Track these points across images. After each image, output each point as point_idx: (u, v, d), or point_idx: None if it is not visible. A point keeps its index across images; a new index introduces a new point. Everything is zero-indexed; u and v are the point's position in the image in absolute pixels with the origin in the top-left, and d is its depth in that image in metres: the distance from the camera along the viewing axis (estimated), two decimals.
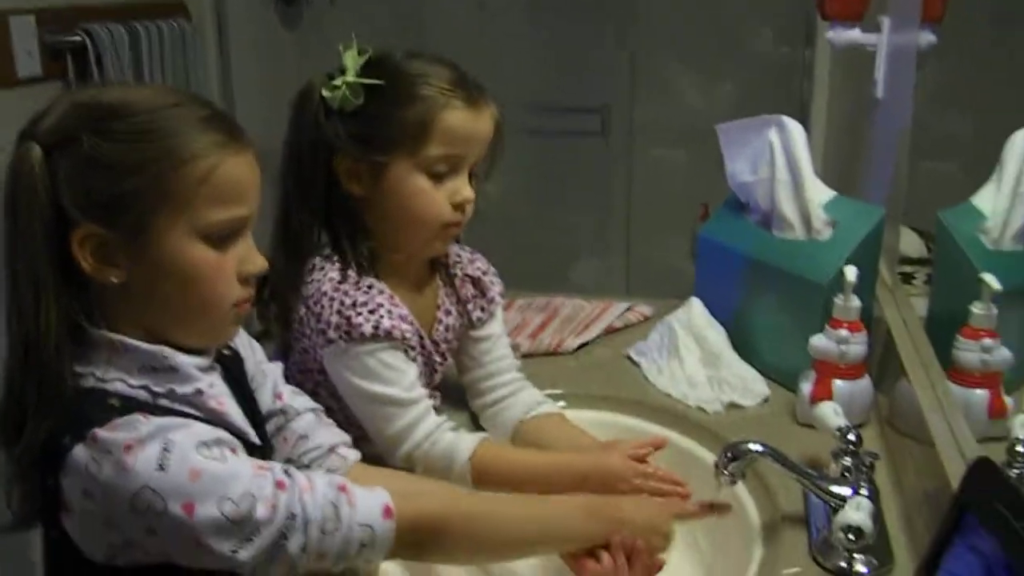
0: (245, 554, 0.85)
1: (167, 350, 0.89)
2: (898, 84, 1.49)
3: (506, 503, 1.09)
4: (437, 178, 1.18)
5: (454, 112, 1.17)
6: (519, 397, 1.33)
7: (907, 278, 1.63)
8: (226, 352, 1.01)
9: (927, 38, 1.48)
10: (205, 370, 0.93)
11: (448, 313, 1.31)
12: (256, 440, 0.96)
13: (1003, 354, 1.18)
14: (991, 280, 1.16)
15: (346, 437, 1.10)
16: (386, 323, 1.17)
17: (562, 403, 1.38)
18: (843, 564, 1.04)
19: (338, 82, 1.16)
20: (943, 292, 1.39)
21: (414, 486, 1.12)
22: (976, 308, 1.17)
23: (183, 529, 0.83)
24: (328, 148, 1.18)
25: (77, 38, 2.16)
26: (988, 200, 1.31)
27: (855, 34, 1.61)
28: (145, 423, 0.83)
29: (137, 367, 0.88)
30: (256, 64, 2.73)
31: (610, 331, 1.68)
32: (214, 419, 0.90)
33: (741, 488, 1.20)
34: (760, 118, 1.52)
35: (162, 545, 0.85)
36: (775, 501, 1.17)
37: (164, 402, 0.88)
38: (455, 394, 1.39)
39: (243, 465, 0.87)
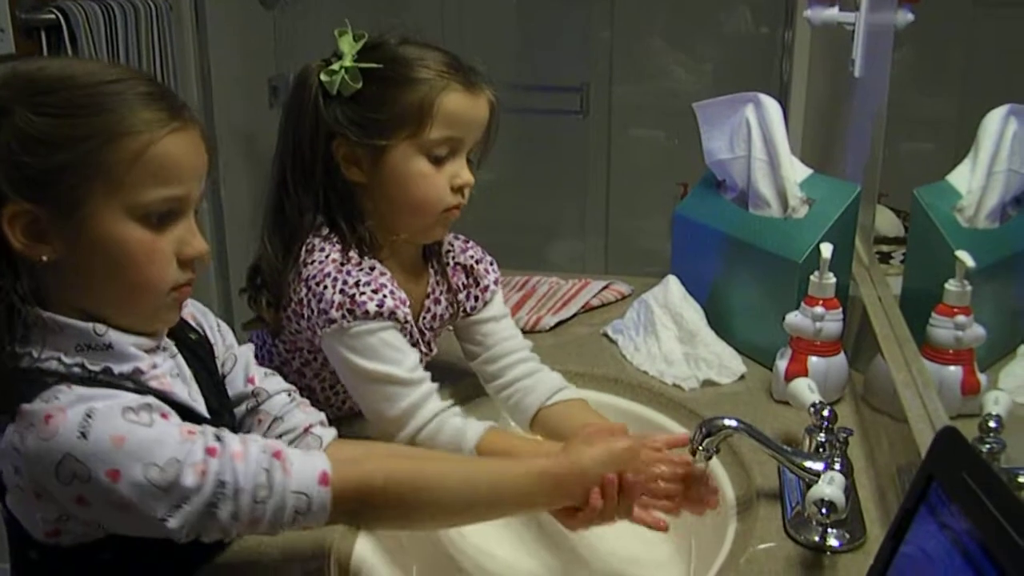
0: (174, 522, 0.84)
1: (101, 327, 0.88)
2: (875, 63, 1.49)
3: (456, 465, 1.06)
4: (437, 162, 1.18)
5: (454, 95, 1.17)
6: (538, 380, 1.30)
7: (885, 257, 1.63)
8: (192, 336, 1.00)
9: (904, 17, 1.48)
10: (150, 351, 0.92)
11: (437, 302, 1.31)
12: (204, 414, 0.95)
13: (977, 331, 1.19)
14: (965, 257, 1.17)
15: (320, 415, 1.09)
16: (389, 303, 1.16)
17: None
18: (816, 538, 1.05)
19: (336, 67, 1.16)
20: (918, 270, 1.40)
21: (369, 450, 1.09)
22: (950, 285, 1.18)
23: (110, 496, 0.82)
24: (326, 134, 1.18)
25: (51, 16, 2.13)
26: (963, 178, 1.32)
27: (832, 12, 1.61)
28: (66, 392, 0.83)
29: (72, 345, 0.87)
30: (234, 43, 2.70)
31: (587, 309, 1.68)
32: (155, 396, 0.89)
33: (716, 464, 1.21)
34: (737, 96, 1.52)
35: (93, 514, 0.84)
36: (750, 477, 1.18)
37: (101, 379, 0.87)
38: (445, 378, 1.37)
39: (171, 429, 0.86)
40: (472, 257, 1.34)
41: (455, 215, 1.23)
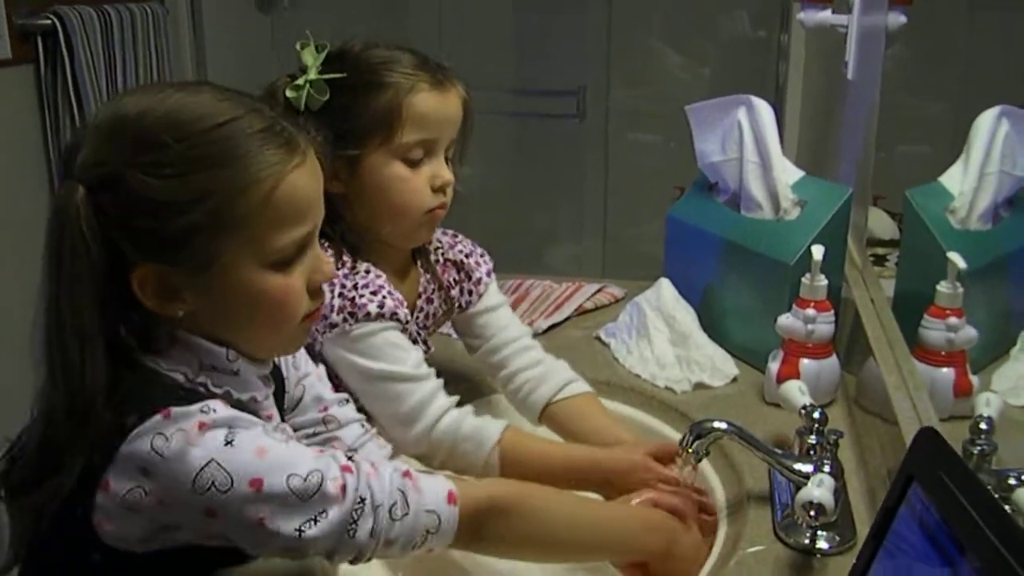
0: (313, 532, 0.81)
1: (233, 353, 0.87)
2: (867, 65, 1.49)
3: (569, 500, 1.03)
4: (414, 164, 1.18)
5: (422, 95, 1.16)
6: (545, 372, 1.29)
7: (880, 260, 1.63)
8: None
9: (897, 19, 1.48)
10: (263, 379, 0.91)
11: (429, 301, 1.30)
12: None
13: (969, 333, 1.18)
14: (957, 259, 1.17)
15: (389, 449, 1.09)
16: (389, 303, 1.16)
17: None
18: (806, 541, 1.05)
19: (300, 81, 1.15)
20: (910, 271, 1.40)
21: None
22: (942, 287, 1.18)
23: (247, 506, 0.79)
24: None
25: (47, 21, 2.14)
26: (955, 180, 1.31)
27: (826, 15, 1.61)
28: (224, 409, 0.81)
29: (200, 363, 0.85)
30: (231, 49, 2.71)
31: (581, 312, 1.68)
32: None
33: (707, 466, 1.20)
34: (729, 98, 1.52)
35: (220, 527, 0.81)
36: (741, 479, 1.18)
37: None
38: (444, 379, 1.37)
39: (305, 448, 0.85)
40: (462, 251, 1.33)
41: (439, 216, 1.22)
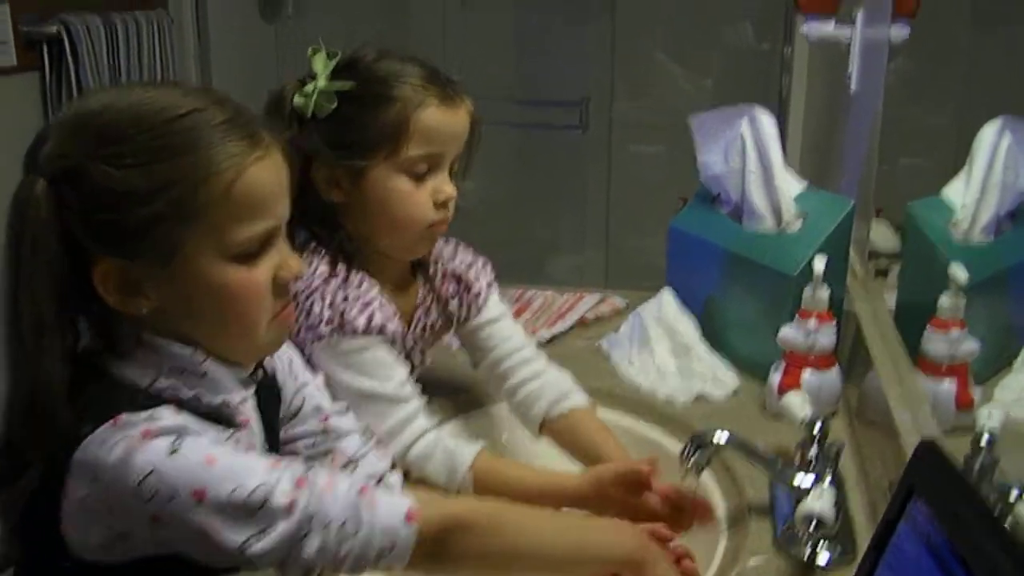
0: (259, 547, 0.79)
1: (200, 354, 0.86)
2: (870, 77, 1.49)
3: (538, 513, 1.01)
4: (418, 178, 1.17)
5: (430, 110, 1.15)
6: (543, 384, 1.28)
7: (882, 272, 1.63)
8: (261, 376, 0.96)
9: (900, 31, 1.48)
10: (240, 383, 0.90)
11: (428, 312, 1.30)
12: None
13: (971, 345, 1.18)
14: (958, 271, 1.16)
15: (389, 459, 1.09)
16: (378, 318, 1.16)
17: None
18: (807, 553, 1.04)
19: (309, 88, 1.15)
20: (912, 284, 1.39)
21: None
22: (944, 299, 1.18)
23: (192, 517, 0.78)
24: (303, 157, 1.16)
25: (53, 29, 2.15)
26: (958, 193, 1.31)
27: (829, 27, 1.61)
28: (173, 416, 0.80)
29: (168, 367, 0.84)
30: (236, 57, 2.72)
31: (583, 323, 1.68)
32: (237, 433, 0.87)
33: (708, 478, 1.20)
34: (733, 109, 1.52)
35: (167, 534, 0.80)
36: (741, 491, 1.17)
37: (188, 407, 0.84)
38: (441, 391, 1.37)
39: (258, 459, 0.83)
40: (462, 263, 1.33)
41: (441, 230, 1.22)
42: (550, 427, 1.27)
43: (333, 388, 1.17)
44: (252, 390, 0.92)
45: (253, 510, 0.79)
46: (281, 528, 0.80)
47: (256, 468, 0.82)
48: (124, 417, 0.79)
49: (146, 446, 0.78)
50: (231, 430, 0.85)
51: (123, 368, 0.84)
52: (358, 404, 1.16)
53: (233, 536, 0.79)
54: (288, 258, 0.88)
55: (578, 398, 1.28)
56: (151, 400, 0.82)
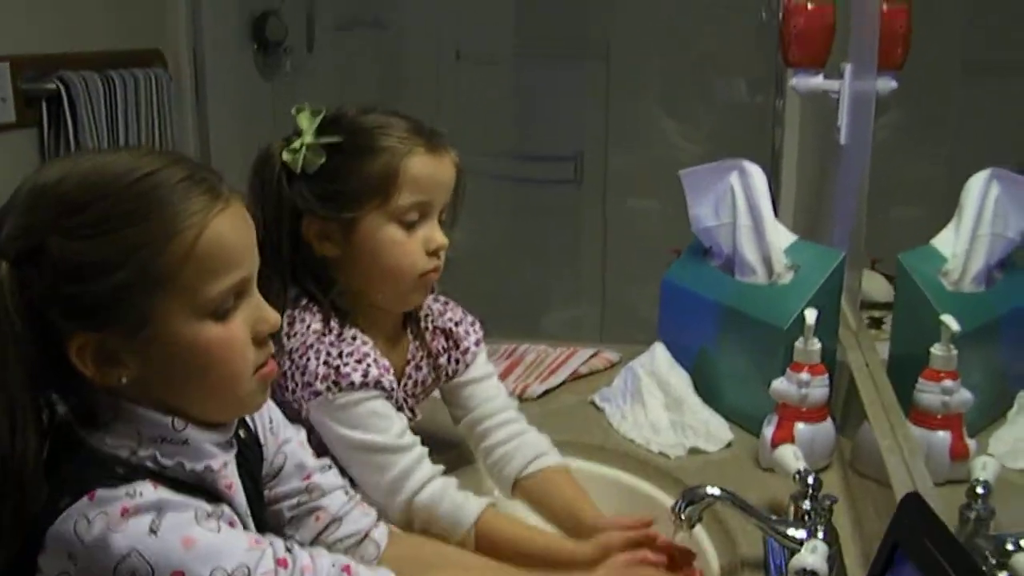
0: None
1: (179, 422, 0.84)
2: (859, 129, 1.50)
3: None
4: (409, 227, 1.18)
5: (417, 158, 1.17)
6: (518, 445, 1.27)
7: (876, 323, 1.63)
8: (242, 434, 0.95)
9: (887, 84, 1.49)
10: (221, 446, 0.88)
11: (418, 368, 1.30)
12: (249, 530, 0.90)
13: (964, 396, 1.17)
14: (950, 321, 1.16)
15: (374, 514, 1.07)
16: (374, 372, 1.15)
17: None
18: None
19: (296, 145, 1.16)
20: (904, 334, 1.39)
21: (435, 556, 1.08)
22: (936, 350, 1.17)
23: None
24: (293, 213, 1.17)
25: (52, 86, 2.17)
26: (948, 242, 1.32)
27: (818, 81, 1.62)
28: (152, 492, 0.79)
29: (148, 436, 0.82)
30: (234, 113, 2.74)
31: (576, 377, 1.67)
32: (220, 499, 0.86)
33: (701, 532, 1.19)
34: (722, 163, 1.53)
35: None
36: (735, 545, 1.16)
37: (170, 475, 0.82)
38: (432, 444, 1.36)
39: (239, 537, 0.82)
40: (451, 320, 1.32)
41: (433, 279, 1.22)
42: (522, 486, 1.26)
43: (331, 444, 1.17)
44: (234, 452, 0.91)
45: None
46: None
47: (236, 548, 0.80)
48: (100, 492, 0.77)
49: (125, 526, 0.76)
50: (216, 505, 0.83)
51: (102, 439, 0.82)
52: (359, 458, 1.16)
53: None
54: (264, 311, 0.87)
55: (551, 458, 1.27)
56: (130, 471, 0.80)
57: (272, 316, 0.87)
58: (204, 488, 0.85)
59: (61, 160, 0.85)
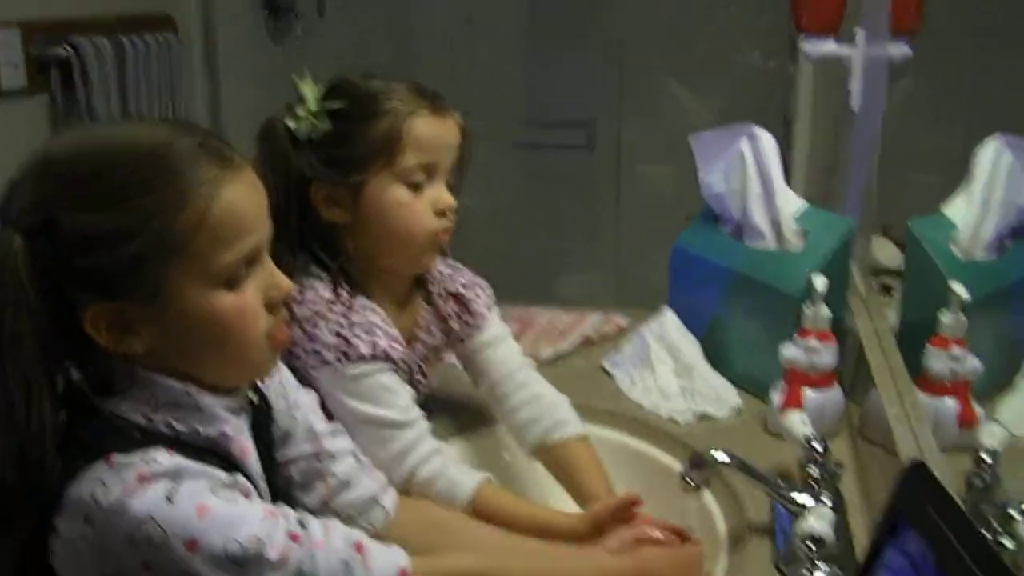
0: None
1: (193, 388, 0.85)
2: (871, 95, 1.49)
3: (534, 561, 1.00)
4: (416, 188, 1.19)
5: (421, 119, 1.18)
6: (539, 411, 1.28)
7: (887, 289, 1.63)
8: (255, 400, 0.96)
9: (902, 50, 1.48)
10: (234, 411, 0.89)
11: (429, 333, 1.31)
12: (263, 495, 0.91)
13: (972, 363, 1.18)
14: (959, 289, 1.16)
15: (383, 480, 1.08)
16: (382, 343, 1.16)
17: None
18: (806, 574, 1.04)
19: (301, 112, 1.17)
20: (914, 302, 1.39)
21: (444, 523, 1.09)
22: (945, 317, 1.17)
23: (184, 567, 0.77)
24: (300, 181, 1.18)
25: (63, 51, 2.16)
26: (959, 209, 1.31)
27: (830, 46, 1.61)
28: (167, 458, 0.80)
29: (161, 402, 0.83)
30: (245, 78, 2.73)
31: (586, 342, 1.68)
32: (234, 464, 0.87)
33: (708, 497, 1.20)
34: (733, 128, 1.53)
35: None
36: (742, 510, 1.17)
37: (185, 440, 0.83)
38: (445, 410, 1.38)
39: (254, 508, 0.82)
40: (461, 283, 1.33)
41: (443, 240, 1.23)
42: (544, 454, 1.27)
43: (337, 414, 1.17)
44: (247, 417, 0.92)
45: (244, 563, 0.79)
46: None
47: (250, 519, 0.81)
48: (116, 457, 0.79)
49: (142, 492, 0.77)
50: (231, 473, 0.84)
51: (117, 405, 0.83)
52: (364, 430, 1.16)
53: None
54: (276, 277, 0.88)
55: (573, 427, 1.27)
56: (146, 437, 0.81)
57: (284, 282, 0.88)
58: (218, 454, 0.86)
59: (71, 132, 0.86)
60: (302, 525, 0.84)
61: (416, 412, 1.19)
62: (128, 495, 0.77)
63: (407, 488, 1.15)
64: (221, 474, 0.83)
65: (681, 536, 1.09)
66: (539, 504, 1.24)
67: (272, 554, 0.80)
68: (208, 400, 0.86)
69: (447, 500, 1.15)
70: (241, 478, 0.85)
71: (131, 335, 0.81)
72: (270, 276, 0.87)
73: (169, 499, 0.78)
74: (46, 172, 0.81)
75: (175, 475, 0.79)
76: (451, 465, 1.18)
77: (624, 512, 1.13)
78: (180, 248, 0.80)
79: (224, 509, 0.80)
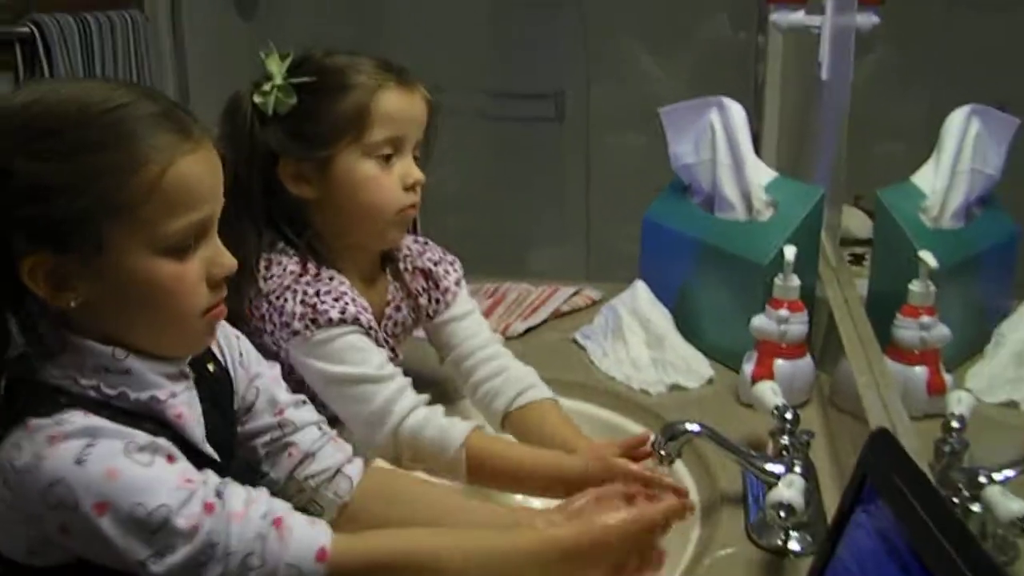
0: (157, 568, 0.79)
1: (120, 352, 0.84)
2: (840, 65, 1.50)
3: (460, 550, 0.95)
4: (384, 162, 1.19)
5: (388, 93, 1.18)
6: (504, 380, 1.27)
7: (858, 259, 1.64)
8: (211, 368, 0.96)
9: (869, 20, 1.48)
10: (171, 376, 0.88)
11: (398, 309, 1.30)
12: (215, 457, 0.90)
13: (941, 331, 1.19)
14: (928, 258, 1.17)
15: (349, 449, 1.06)
16: (351, 309, 1.16)
17: None
18: (779, 542, 1.05)
19: (267, 87, 1.16)
20: (883, 271, 1.40)
21: (398, 491, 1.06)
22: (914, 286, 1.18)
23: (94, 530, 0.78)
24: (266, 157, 1.17)
25: (25, 29, 2.14)
26: (928, 179, 1.32)
27: (799, 16, 1.62)
28: (80, 418, 0.80)
29: (89, 366, 0.83)
30: (212, 55, 2.70)
31: (557, 315, 1.68)
32: (169, 428, 0.86)
33: (681, 468, 1.20)
34: (702, 100, 1.52)
35: (76, 544, 0.80)
36: (714, 481, 1.18)
37: (116, 404, 0.83)
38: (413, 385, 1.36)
39: (169, 474, 0.81)
40: (430, 259, 1.33)
41: (411, 215, 1.23)
42: (512, 420, 1.25)
43: (314, 383, 1.17)
44: (186, 383, 0.91)
45: (153, 530, 0.79)
46: (182, 551, 0.80)
47: (163, 484, 0.80)
48: (33, 421, 0.79)
49: (52, 453, 0.78)
50: (154, 437, 0.83)
51: (49, 370, 0.83)
52: (341, 391, 1.16)
53: (133, 552, 0.79)
54: (222, 255, 0.88)
55: (540, 391, 1.27)
56: (72, 401, 0.82)
57: (228, 260, 0.88)
58: (152, 417, 0.85)
59: (36, 83, 0.86)
60: (219, 495, 0.84)
61: (393, 368, 1.18)
62: (39, 456, 0.78)
63: (395, 442, 1.15)
64: (140, 435, 0.82)
65: (677, 492, 1.06)
66: (534, 448, 1.20)
67: (181, 522, 0.79)
68: (137, 364, 0.85)
69: (439, 447, 1.14)
70: (163, 441, 0.83)
71: (68, 290, 0.82)
72: (216, 252, 0.87)
73: (79, 461, 0.78)
74: (6, 121, 0.81)
75: (87, 434, 0.79)
76: (438, 414, 1.17)
77: (636, 448, 1.15)
78: (128, 210, 0.80)
79: (135, 472, 0.79)
